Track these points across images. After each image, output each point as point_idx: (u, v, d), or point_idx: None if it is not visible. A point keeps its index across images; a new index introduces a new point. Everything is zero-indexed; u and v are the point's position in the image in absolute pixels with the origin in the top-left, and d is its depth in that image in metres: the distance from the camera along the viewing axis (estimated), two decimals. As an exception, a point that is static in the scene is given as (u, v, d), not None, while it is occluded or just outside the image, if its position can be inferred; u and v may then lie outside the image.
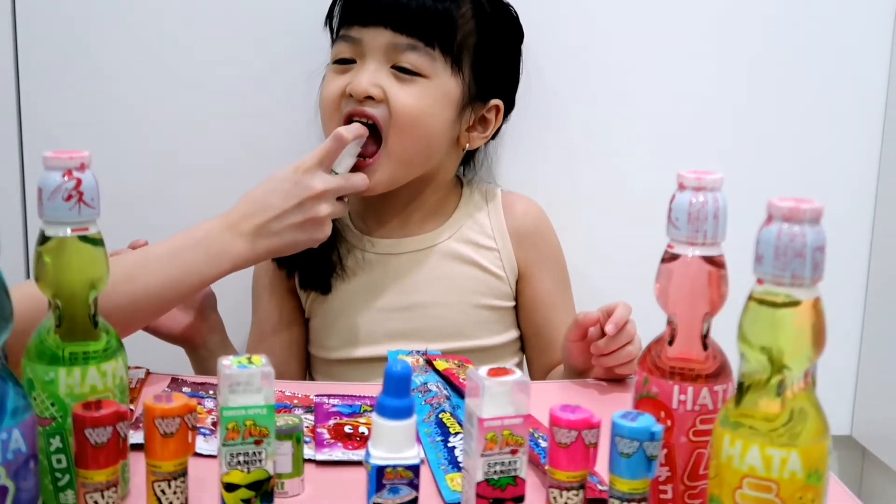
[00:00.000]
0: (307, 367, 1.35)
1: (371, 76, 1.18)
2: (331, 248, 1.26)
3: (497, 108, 1.28)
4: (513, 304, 1.31)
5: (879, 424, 1.49)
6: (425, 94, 1.19)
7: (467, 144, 1.27)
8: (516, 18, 1.30)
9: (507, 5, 1.29)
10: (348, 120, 1.18)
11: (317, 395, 1.03)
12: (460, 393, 1.02)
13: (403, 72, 1.18)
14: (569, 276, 1.35)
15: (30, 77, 1.34)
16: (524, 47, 1.32)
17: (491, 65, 1.25)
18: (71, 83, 1.35)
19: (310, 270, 1.28)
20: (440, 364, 1.09)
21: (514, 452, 0.73)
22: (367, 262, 1.28)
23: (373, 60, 1.18)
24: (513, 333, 1.32)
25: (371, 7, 1.18)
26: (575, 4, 1.38)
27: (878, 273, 1.47)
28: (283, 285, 1.31)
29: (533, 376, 1.34)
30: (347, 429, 0.95)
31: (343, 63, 1.21)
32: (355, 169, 1.16)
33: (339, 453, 0.90)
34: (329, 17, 1.27)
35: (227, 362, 0.72)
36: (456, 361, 1.10)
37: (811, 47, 1.41)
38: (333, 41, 1.25)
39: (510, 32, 1.29)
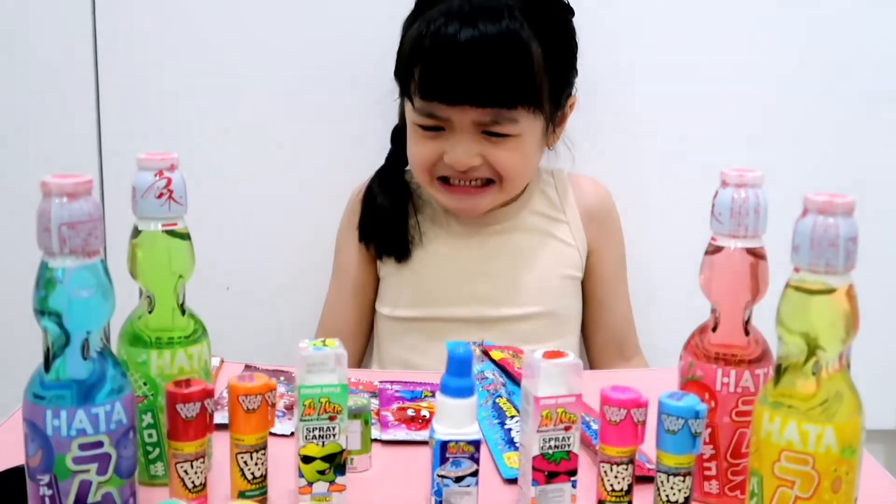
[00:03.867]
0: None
1: (467, 148, 1.24)
2: (409, 219, 1.34)
3: (571, 102, 1.33)
4: (581, 275, 1.37)
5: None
6: (521, 148, 1.26)
7: (552, 145, 1.35)
8: (566, 6, 1.32)
9: (557, 1, 1.30)
10: (448, 180, 1.27)
11: (380, 382, 1.09)
12: (515, 381, 1.08)
13: (495, 135, 1.24)
14: (625, 256, 1.41)
15: (109, 87, 1.43)
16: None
17: (561, 74, 1.29)
18: (148, 88, 1.44)
19: (388, 240, 1.34)
20: (496, 354, 1.14)
21: (567, 429, 0.78)
22: (446, 233, 1.35)
23: (464, 132, 1.24)
24: (579, 306, 1.38)
25: (455, 89, 1.20)
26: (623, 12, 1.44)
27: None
28: (362, 247, 1.38)
29: (588, 347, 1.42)
30: (410, 412, 1.01)
31: (430, 129, 1.26)
32: (465, 195, 1.27)
33: (402, 433, 0.96)
34: (401, 76, 1.27)
35: (303, 345, 0.79)
36: (510, 352, 1.16)
37: (853, 46, 1.45)
38: (412, 102, 1.26)
39: (567, 30, 1.31)
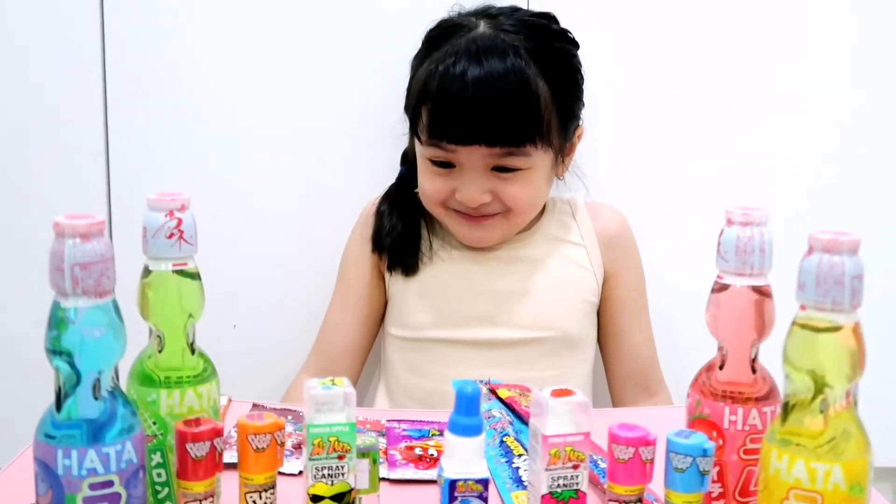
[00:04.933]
0: (380, 349, 1.43)
1: (478, 185, 1.26)
2: (422, 232, 1.36)
3: (579, 133, 1.35)
4: (597, 300, 1.37)
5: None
6: (530, 182, 1.28)
7: (562, 174, 1.36)
8: (571, 40, 1.32)
9: (561, 34, 1.31)
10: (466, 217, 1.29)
11: (387, 421, 1.09)
12: (523, 419, 1.08)
13: (505, 170, 1.26)
14: (645, 285, 1.42)
15: (117, 116, 1.45)
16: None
17: (569, 107, 1.30)
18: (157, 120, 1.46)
19: (400, 252, 1.36)
20: (503, 392, 1.15)
21: (575, 467, 0.79)
22: (457, 251, 1.36)
23: (474, 169, 1.26)
24: (594, 331, 1.38)
25: (464, 130, 1.22)
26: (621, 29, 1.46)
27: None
28: (372, 260, 1.39)
29: (610, 380, 1.41)
30: (418, 451, 1.01)
31: (440, 165, 1.28)
32: (475, 224, 1.29)
33: (411, 472, 0.96)
34: (411, 114, 1.29)
35: (312, 384, 0.79)
36: (517, 390, 1.16)
37: (855, 81, 1.47)
38: (419, 139, 1.28)
39: (573, 64, 1.32)
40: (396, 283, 1.37)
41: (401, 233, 1.36)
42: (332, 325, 1.41)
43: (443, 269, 1.36)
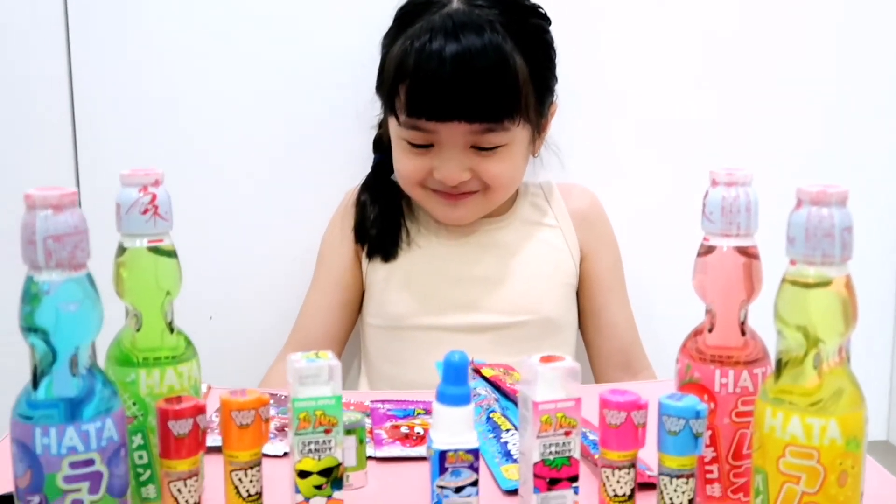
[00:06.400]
0: (359, 340, 1.42)
1: (457, 162, 1.24)
2: (401, 220, 1.35)
3: (553, 109, 1.34)
4: (576, 281, 1.37)
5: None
6: (508, 158, 1.27)
7: (537, 152, 1.35)
8: (543, 15, 1.31)
9: (533, 9, 1.30)
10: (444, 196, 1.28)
11: (371, 401, 1.08)
12: (508, 397, 1.07)
13: (484, 149, 1.25)
14: (622, 262, 1.41)
15: (84, 91, 1.42)
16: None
17: (544, 82, 1.29)
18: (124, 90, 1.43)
19: (378, 238, 1.34)
20: (487, 371, 1.13)
21: (567, 434, 0.77)
22: (436, 237, 1.35)
23: (453, 146, 1.24)
24: (574, 314, 1.38)
25: (443, 106, 1.21)
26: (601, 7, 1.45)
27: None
28: (352, 249, 1.38)
29: (592, 361, 1.41)
30: (404, 429, 0.99)
31: (418, 146, 1.26)
32: (453, 202, 1.28)
33: (397, 450, 0.95)
34: (385, 93, 1.27)
35: (296, 357, 0.77)
36: (501, 369, 1.15)
37: (837, 37, 1.48)
38: (397, 119, 1.25)
39: (546, 40, 1.31)
40: (375, 272, 1.35)
41: (381, 220, 1.35)
42: (311, 311, 1.40)
43: (420, 257, 1.34)
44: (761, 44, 1.47)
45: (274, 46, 1.43)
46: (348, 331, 1.41)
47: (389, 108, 1.27)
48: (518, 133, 1.25)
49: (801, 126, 1.48)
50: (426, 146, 1.26)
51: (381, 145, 1.39)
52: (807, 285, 0.70)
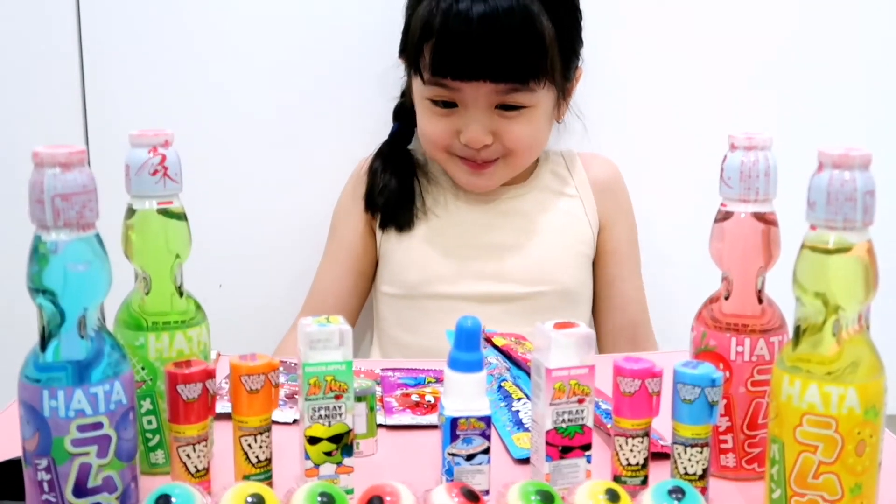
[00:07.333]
0: (371, 310, 1.41)
1: (481, 124, 1.24)
2: (416, 188, 1.34)
3: (578, 74, 1.33)
4: (593, 253, 1.36)
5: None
6: (533, 121, 1.26)
7: (561, 118, 1.34)
8: None
9: None
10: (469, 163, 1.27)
11: (382, 370, 1.07)
12: (520, 366, 1.06)
13: (509, 108, 1.24)
14: (638, 237, 1.40)
15: (93, 50, 1.40)
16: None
17: (570, 45, 1.28)
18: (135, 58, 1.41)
19: (394, 209, 1.33)
20: (498, 341, 1.12)
21: (580, 401, 0.76)
22: (454, 205, 1.34)
23: (477, 107, 1.23)
24: (590, 285, 1.37)
25: (470, 64, 1.20)
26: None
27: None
28: (364, 218, 1.37)
29: (599, 335, 1.39)
30: (414, 397, 0.98)
31: (442, 105, 1.25)
32: (477, 169, 1.27)
33: (408, 418, 0.94)
34: (410, 54, 1.26)
35: (307, 321, 0.76)
36: (513, 338, 1.14)
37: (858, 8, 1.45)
38: (422, 79, 1.24)
39: (574, 4, 1.30)
40: (389, 241, 1.34)
41: (394, 190, 1.34)
42: (324, 280, 1.39)
43: (437, 225, 1.33)
44: (784, 7, 1.44)
45: (292, 9, 1.41)
46: (362, 300, 1.40)
47: (414, 68, 1.25)
48: (543, 96, 1.24)
49: (823, 90, 1.46)
50: (451, 105, 1.25)
51: (402, 113, 1.38)
52: (827, 251, 0.69)
